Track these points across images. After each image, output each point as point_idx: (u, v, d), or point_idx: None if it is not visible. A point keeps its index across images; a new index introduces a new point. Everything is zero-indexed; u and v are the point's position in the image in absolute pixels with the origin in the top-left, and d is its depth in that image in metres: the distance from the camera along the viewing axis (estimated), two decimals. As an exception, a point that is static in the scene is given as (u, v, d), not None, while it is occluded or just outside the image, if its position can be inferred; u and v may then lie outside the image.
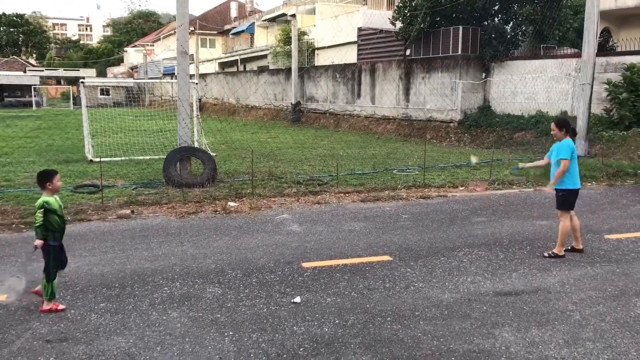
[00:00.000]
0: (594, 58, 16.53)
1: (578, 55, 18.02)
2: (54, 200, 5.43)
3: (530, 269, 6.62)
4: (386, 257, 7.05)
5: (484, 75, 22.11)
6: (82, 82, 17.69)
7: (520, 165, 8.03)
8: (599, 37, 18.46)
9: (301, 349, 4.58)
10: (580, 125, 16.53)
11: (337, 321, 5.12)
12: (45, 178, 5.49)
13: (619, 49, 21.44)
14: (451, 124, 22.30)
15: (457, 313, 5.31)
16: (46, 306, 5.30)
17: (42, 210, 5.29)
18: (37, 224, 5.28)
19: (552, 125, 7.18)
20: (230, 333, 4.88)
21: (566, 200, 7.07)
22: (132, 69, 75.49)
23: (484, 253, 7.27)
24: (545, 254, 7.08)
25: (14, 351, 4.52)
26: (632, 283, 6.15)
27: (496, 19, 22.89)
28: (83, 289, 5.84)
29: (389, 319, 5.18)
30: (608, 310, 5.40)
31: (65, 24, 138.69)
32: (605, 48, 22.39)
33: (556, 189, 7.07)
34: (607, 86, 17.26)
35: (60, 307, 5.34)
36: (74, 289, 5.84)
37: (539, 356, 4.48)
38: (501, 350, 4.57)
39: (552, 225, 8.65)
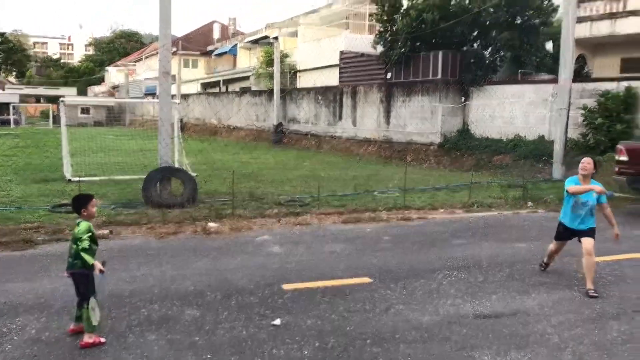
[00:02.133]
0: (570, 84, 16.92)
1: (555, 81, 18.41)
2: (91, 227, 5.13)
3: (510, 292, 6.67)
4: (367, 279, 7.05)
5: (463, 99, 22.42)
6: (62, 101, 17.52)
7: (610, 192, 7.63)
8: (575, 64, 18.87)
9: (280, 372, 4.53)
10: (557, 149, 16.85)
11: (317, 344, 5.08)
12: (80, 204, 5.16)
13: (594, 76, 21.96)
14: (431, 147, 22.53)
15: (437, 336, 5.32)
16: (88, 339, 4.95)
17: (89, 234, 4.98)
18: (83, 247, 4.93)
19: (589, 160, 7.04)
20: (209, 356, 4.81)
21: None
22: (113, 89, 75.14)
23: (464, 275, 7.30)
24: None
25: (-14, 375, 4.41)
26: (609, 306, 6.22)
27: (475, 45, 23.33)
28: (59, 310, 5.72)
29: (369, 341, 5.16)
30: (586, 333, 5.45)
31: (46, 43, 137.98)
32: (581, 74, 22.90)
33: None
34: (583, 111, 17.61)
35: (102, 339, 5.02)
36: (50, 311, 5.73)
37: (518, 379, 4.49)
38: (481, 373, 4.57)
39: (530, 247, 8.75)
